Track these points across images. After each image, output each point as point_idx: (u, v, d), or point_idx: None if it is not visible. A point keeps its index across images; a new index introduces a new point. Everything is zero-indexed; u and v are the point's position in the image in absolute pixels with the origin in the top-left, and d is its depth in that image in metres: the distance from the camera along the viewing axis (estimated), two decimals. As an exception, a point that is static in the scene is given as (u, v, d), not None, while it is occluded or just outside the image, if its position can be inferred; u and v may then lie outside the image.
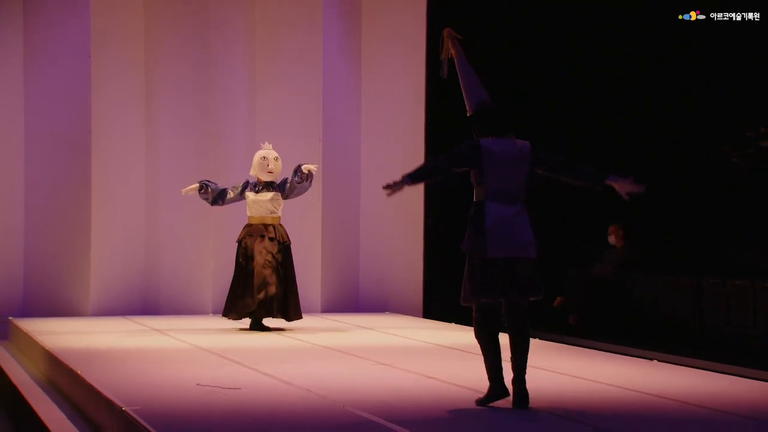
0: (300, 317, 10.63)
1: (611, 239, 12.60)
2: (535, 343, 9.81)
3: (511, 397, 6.49)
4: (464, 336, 9.92)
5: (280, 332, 10.40)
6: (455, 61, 6.96)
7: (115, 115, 12.22)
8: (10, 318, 11.56)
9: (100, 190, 12.11)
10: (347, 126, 13.02)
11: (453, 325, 11.31)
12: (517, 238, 6.48)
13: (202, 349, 9.19)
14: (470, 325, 6.78)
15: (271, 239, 10.47)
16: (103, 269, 12.11)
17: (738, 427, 6.22)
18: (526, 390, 6.47)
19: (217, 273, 12.35)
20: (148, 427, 5.76)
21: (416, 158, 13.05)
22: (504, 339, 6.55)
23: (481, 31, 13.71)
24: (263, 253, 10.41)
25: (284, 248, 10.55)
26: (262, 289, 10.34)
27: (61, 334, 10.11)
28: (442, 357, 8.88)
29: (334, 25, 12.87)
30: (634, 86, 13.70)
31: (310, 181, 10.55)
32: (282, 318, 10.55)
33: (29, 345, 10.02)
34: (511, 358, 6.50)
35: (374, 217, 13.04)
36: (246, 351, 9.10)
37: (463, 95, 6.86)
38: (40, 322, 11.20)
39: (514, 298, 6.53)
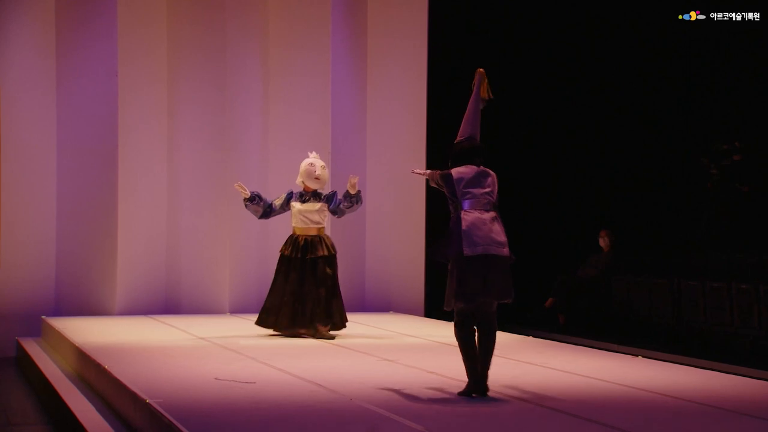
0: (345, 323, 9.87)
1: (601, 242, 12.53)
2: (527, 341, 9.83)
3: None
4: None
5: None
6: (475, 96, 7.08)
7: (140, 130, 12.18)
8: (42, 317, 11.54)
9: (125, 199, 12.07)
10: (354, 139, 12.99)
11: (452, 324, 11.22)
12: (490, 238, 6.56)
13: (220, 346, 9.14)
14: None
15: (313, 258, 9.75)
16: (128, 271, 12.07)
17: (715, 416, 6.17)
18: (486, 382, 6.61)
19: (233, 275, 12.30)
20: (170, 418, 5.73)
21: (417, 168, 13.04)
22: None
23: (480, 36, 13.64)
24: (300, 268, 9.75)
25: (330, 259, 9.82)
26: (298, 303, 9.75)
27: (90, 332, 10.08)
28: (443, 353, 8.81)
29: (341, 46, 12.86)
30: (634, 86, 13.41)
31: (360, 202, 9.89)
32: (326, 324, 9.81)
33: (60, 341, 9.99)
34: (478, 352, 6.63)
35: (379, 225, 13.00)
36: (260, 348, 9.04)
37: (462, 123, 7.01)
38: (71, 320, 11.17)
39: (487, 302, 6.65)
